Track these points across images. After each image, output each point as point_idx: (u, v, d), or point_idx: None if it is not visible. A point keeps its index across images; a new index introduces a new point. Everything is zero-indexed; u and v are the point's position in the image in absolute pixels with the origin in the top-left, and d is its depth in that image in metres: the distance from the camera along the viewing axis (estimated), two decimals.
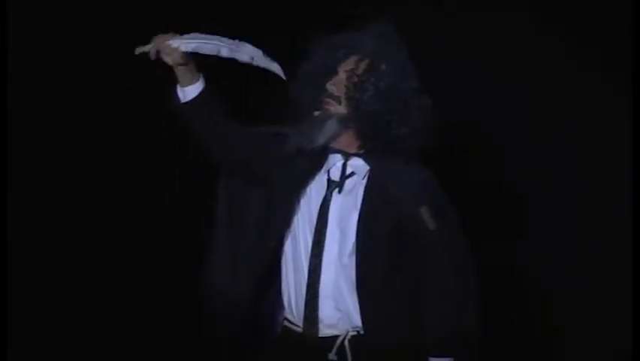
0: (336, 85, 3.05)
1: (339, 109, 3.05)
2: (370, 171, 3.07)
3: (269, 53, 3.11)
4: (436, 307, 3.03)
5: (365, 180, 3.07)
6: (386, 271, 3.02)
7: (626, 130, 3.91)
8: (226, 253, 3.19)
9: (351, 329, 3.03)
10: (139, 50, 3.06)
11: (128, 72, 4.04)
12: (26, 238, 4.05)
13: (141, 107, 4.12)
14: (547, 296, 4.13)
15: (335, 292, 3.03)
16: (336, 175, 3.09)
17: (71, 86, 4.12)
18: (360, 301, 3.01)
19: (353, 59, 3.07)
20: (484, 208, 4.06)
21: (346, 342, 3.02)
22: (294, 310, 3.07)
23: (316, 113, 3.08)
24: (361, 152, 3.09)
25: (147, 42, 3.06)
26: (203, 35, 3.07)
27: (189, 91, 3.08)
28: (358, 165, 3.09)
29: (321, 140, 3.03)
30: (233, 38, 3.08)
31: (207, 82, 3.10)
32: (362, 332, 3.02)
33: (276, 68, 3.10)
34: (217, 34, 3.08)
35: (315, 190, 3.10)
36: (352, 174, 3.09)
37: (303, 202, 3.09)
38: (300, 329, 3.06)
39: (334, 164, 3.10)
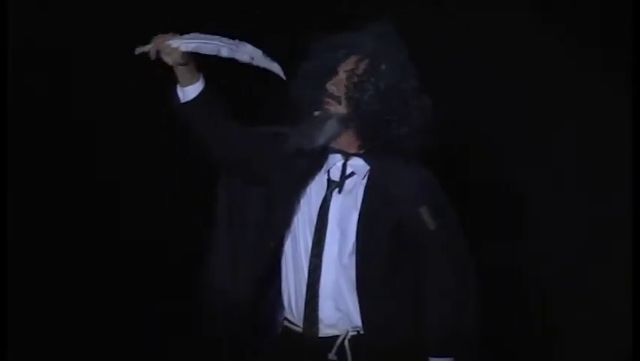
0: (336, 85, 3.05)
1: (339, 109, 3.05)
2: (370, 171, 3.07)
3: (269, 52, 3.11)
4: (436, 307, 3.03)
5: (365, 180, 3.07)
6: (386, 271, 3.02)
7: (626, 130, 3.91)
8: (226, 253, 3.19)
9: (351, 329, 3.03)
10: (139, 50, 3.05)
11: (128, 72, 4.04)
12: (26, 238, 4.04)
13: (141, 107, 4.11)
14: (547, 296, 4.13)
15: (335, 292, 3.03)
16: (336, 175, 3.09)
17: (71, 86, 4.12)
18: (360, 301, 3.01)
19: (353, 59, 3.07)
20: (484, 208, 4.06)
21: (346, 342, 3.02)
22: (294, 310, 3.07)
23: (316, 113, 3.08)
24: (361, 152, 3.09)
25: (147, 42, 3.06)
26: (203, 35, 3.06)
27: (189, 91, 3.08)
28: (358, 165, 3.09)
29: (321, 140, 3.03)
30: (234, 38, 3.08)
31: (207, 82, 3.10)
32: (362, 332, 3.02)
33: (276, 68, 3.10)
34: (217, 34, 3.07)
35: (315, 190, 3.10)
36: (352, 174, 3.09)
37: (303, 202, 3.09)
38: (300, 329, 3.06)
39: (334, 164, 3.10)
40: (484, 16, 4.13)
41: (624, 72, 3.89)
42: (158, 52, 3.04)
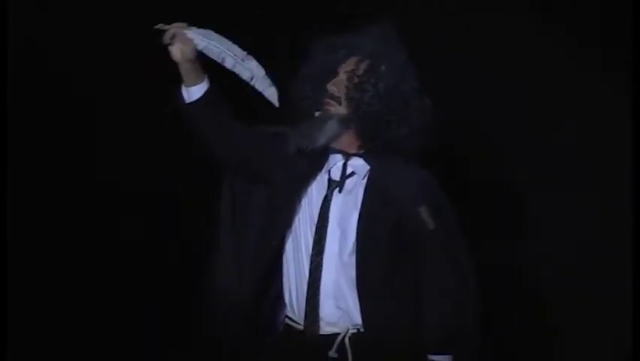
0: (337, 86, 3.06)
1: (340, 109, 3.06)
2: (370, 170, 3.08)
3: (269, 53, 3.11)
4: (435, 306, 3.03)
5: (365, 180, 3.08)
6: (386, 271, 3.03)
7: (626, 130, 3.91)
8: (230, 253, 3.19)
9: (351, 327, 3.04)
10: (159, 27, 3.02)
11: (128, 72, 4.05)
12: (26, 238, 4.04)
13: (142, 107, 4.11)
14: (547, 296, 4.13)
15: (335, 290, 3.03)
16: (336, 175, 3.10)
17: (71, 86, 4.12)
18: (361, 299, 3.02)
19: (353, 59, 3.08)
20: (484, 208, 4.06)
21: (346, 340, 3.03)
22: (295, 309, 3.08)
23: (317, 113, 3.10)
24: (361, 152, 3.10)
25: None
26: (216, 36, 3.06)
27: (194, 91, 3.07)
28: (358, 165, 3.10)
29: (321, 140, 3.04)
30: (238, 43, 3.07)
31: (211, 82, 3.09)
32: (362, 330, 3.03)
33: (271, 93, 3.09)
34: (217, 34, 3.07)
35: (317, 190, 3.10)
36: (352, 173, 3.09)
37: (305, 202, 3.10)
38: (301, 327, 3.07)
39: (335, 164, 3.11)
40: (484, 16, 4.13)
41: (624, 72, 3.89)
42: (172, 37, 3.02)
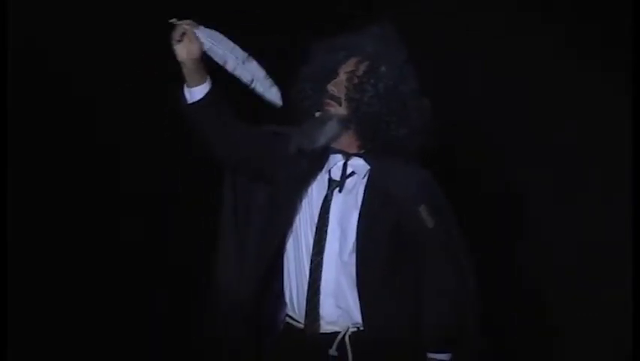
0: (337, 86, 3.07)
1: (340, 110, 3.07)
2: (370, 170, 3.09)
3: (269, 53, 3.11)
4: (435, 305, 3.04)
5: (365, 180, 3.09)
6: (386, 270, 3.04)
7: (626, 130, 3.91)
8: (232, 253, 3.19)
9: (351, 326, 3.04)
10: (172, 21, 3.01)
11: (128, 72, 4.05)
12: (26, 238, 4.04)
13: (142, 107, 4.11)
14: (548, 296, 4.13)
15: (336, 289, 3.04)
16: (337, 175, 3.10)
17: (71, 86, 4.12)
18: (361, 298, 3.03)
19: (353, 60, 3.09)
20: (484, 208, 4.06)
21: (347, 338, 3.04)
22: (295, 307, 3.09)
23: (317, 114, 3.11)
24: (361, 152, 3.11)
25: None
26: (220, 37, 3.06)
27: (196, 92, 3.07)
28: (358, 165, 3.10)
29: (321, 140, 3.05)
30: (239, 43, 3.06)
31: (214, 82, 3.09)
32: (362, 329, 3.04)
33: (273, 93, 3.09)
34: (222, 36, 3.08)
35: (317, 190, 3.11)
36: (353, 173, 3.10)
37: (305, 201, 3.11)
38: (301, 326, 3.08)
39: (335, 164, 3.12)
40: (484, 16, 4.13)
41: (624, 72, 3.89)
42: (182, 35, 3.02)
